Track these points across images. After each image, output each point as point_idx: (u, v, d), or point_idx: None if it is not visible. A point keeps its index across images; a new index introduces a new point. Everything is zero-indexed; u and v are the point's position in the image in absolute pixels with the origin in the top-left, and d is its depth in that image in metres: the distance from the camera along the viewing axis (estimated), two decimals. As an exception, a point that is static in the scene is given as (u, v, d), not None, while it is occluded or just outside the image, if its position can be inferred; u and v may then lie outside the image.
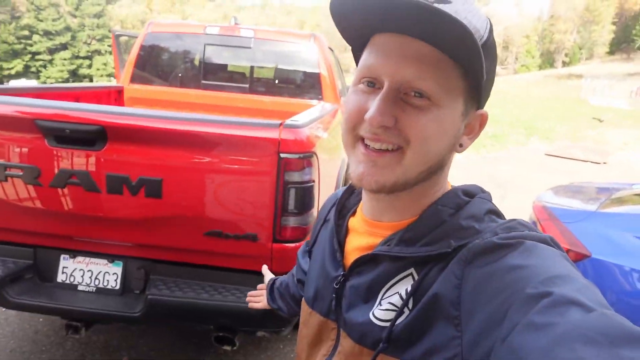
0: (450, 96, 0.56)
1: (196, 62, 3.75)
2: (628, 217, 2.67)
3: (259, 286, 1.25)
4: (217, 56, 3.73)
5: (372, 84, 0.58)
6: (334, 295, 0.70)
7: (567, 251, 2.39)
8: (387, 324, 0.60)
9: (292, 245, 1.88)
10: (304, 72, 3.67)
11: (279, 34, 3.73)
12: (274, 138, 1.75)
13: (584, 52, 54.83)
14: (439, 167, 0.61)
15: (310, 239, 0.90)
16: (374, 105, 0.56)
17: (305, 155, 1.82)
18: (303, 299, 0.81)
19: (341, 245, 0.73)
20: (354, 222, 0.74)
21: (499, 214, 0.63)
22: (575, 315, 0.40)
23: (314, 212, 1.95)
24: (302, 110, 2.56)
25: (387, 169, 0.58)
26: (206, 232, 1.85)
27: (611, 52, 53.47)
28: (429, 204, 0.63)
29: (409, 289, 0.58)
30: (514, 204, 5.91)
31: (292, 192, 1.81)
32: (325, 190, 2.13)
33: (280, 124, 1.79)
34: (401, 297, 0.59)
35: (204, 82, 3.67)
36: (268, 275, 1.24)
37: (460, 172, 7.96)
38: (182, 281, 1.95)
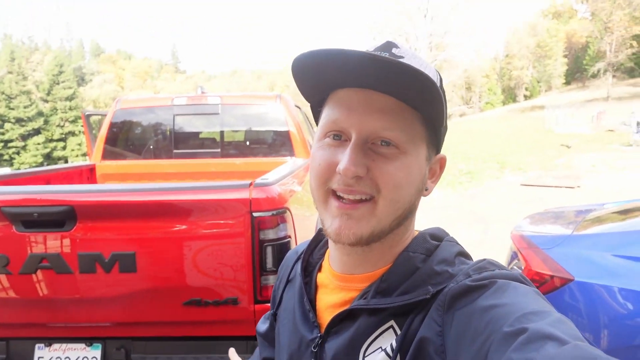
0: (415, 143, 0.60)
1: (167, 133, 3.81)
2: (604, 237, 2.71)
3: None
4: (186, 125, 3.81)
5: (338, 136, 0.61)
6: None
7: (551, 277, 2.40)
8: None
9: (275, 304, 1.85)
10: (274, 132, 3.76)
11: (245, 98, 3.85)
12: (245, 198, 1.77)
13: (542, 85, 57.70)
14: (409, 212, 0.63)
15: (272, 301, 0.86)
16: (345, 156, 0.57)
17: (279, 212, 1.83)
18: None
19: (313, 304, 0.70)
20: (322, 278, 0.72)
21: (467, 256, 0.65)
22: (550, 349, 0.42)
23: (294, 267, 1.93)
24: (272, 168, 2.60)
25: (362, 221, 0.59)
26: (185, 301, 1.80)
27: (567, 83, 56.41)
28: (400, 251, 0.64)
29: (394, 343, 0.57)
30: (496, 236, 5.96)
31: (269, 250, 1.80)
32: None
33: (250, 184, 1.81)
34: (387, 354, 0.58)
35: (175, 151, 3.71)
36: (235, 358, 1.16)
37: (440, 211, 8.04)
38: (165, 357, 1.87)
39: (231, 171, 3.54)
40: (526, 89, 58.63)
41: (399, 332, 0.59)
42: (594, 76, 45.73)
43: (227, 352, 1.89)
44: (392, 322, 0.59)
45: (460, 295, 0.54)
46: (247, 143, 3.83)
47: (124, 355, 1.88)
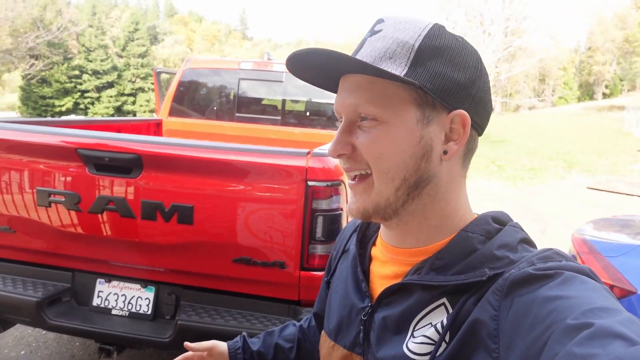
0: (394, 110, 0.59)
1: (231, 96, 3.90)
2: (676, 251, 2.51)
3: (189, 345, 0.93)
4: (250, 90, 3.88)
5: (339, 121, 0.65)
6: (361, 327, 0.67)
7: (612, 287, 2.27)
8: (422, 358, 0.58)
9: (320, 273, 1.88)
10: (333, 104, 3.74)
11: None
12: (302, 166, 1.79)
13: (626, 84, 53.33)
14: (418, 179, 0.60)
15: (327, 269, 0.88)
16: (333, 139, 0.63)
17: (333, 184, 1.84)
18: (323, 331, 0.78)
19: (366, 274, 0.71)
20: (375, 251, 0.73)
21: (532, 244, 0.61)
22: (618, 348, 0.39)
23: (342, 240, 1.95)
24: (330, 141, 2.60)
25: (363, 195, 0.63)
26: (235, 258, 1.87)
27: (654, 83, 51.81)
28: (454, 227, 0.63)
29: (445, 321, 0.57)
30: (554, 238, 5.70)
31: (320, 220, 1.82)
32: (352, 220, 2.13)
33: (308, 153, 1.83)
34: (437, 330, 0.57)
35: (238, 115, 3.80)
36: (213, 344, 0.96)
37: (495, 203, 7.76)
38: (211, 307, 1.96)
39: (289, 140, 3.59)
40: (606, 86, 54.51)
41: (450, 310, 0.58)
42: (687, 79, 41.63)
43: (269, 312, 1.96)
44: (444, 300, 0.59)
45: (522, 282, 0.52)
46: (307, 114, 3.84)
47: (174, 300, 2.00)
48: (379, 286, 0.68)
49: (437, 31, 0.60)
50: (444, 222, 0.63)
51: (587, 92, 56.40)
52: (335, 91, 0.67)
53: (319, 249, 1.86)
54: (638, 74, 49.87)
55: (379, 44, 0.60)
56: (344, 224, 1.94)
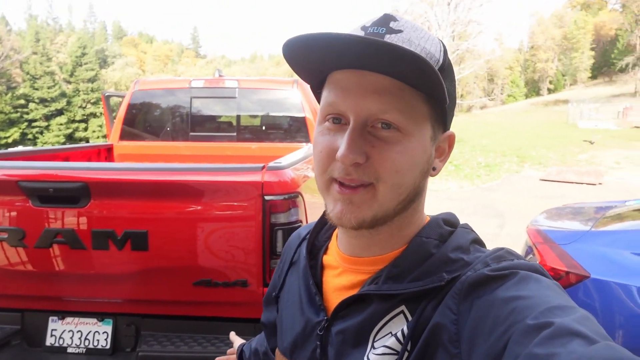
0: (417, 123, 0.56)
1: (184, 115, 3.83)
2: (624, 234, 2.64)
3: (229, 351, 1.16)
4: (203, 108, 3.82)
5: (337, 120, 0.58)
6: (317, 343, 0.65)
7: (566, 273, 2.35)
8: None
9: (284, 288, 1.85)
10: (290, 117, 3.74)
11: (263, 82, 3.83)
12: (257, 181, 1.77)
13: (568, 78, 56.25)
14: (415, 195, 0.60)
15: (273, 283, 0.85)
16: (343, 143, 0.55)
17: (290, 196, 1.82)
18: (277, 350, 0.76)
19: (319, 287, 0.69)
20: (329, 260, 0.70)
21: (482, 244, 0.62)
22: (578, 347, 0.39)
23: (304, 252, 1.93)
24: (287, 153, 2.59)
25: (364, 205, 0.57)
26: (195, 281, 1.82)
27: (593, 77, 54.88)
28: (411, 235, 0.62)
29: (405, 329, 0.56)
30: (512, 232, 5.89)
31: (280, 234, 1.80)
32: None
33: (263, 167, 1.81)
34: (398, 339, 0.56)
35: (192, 134, 3.73)
36: (237, 341, 1.15)
37: (455, 203, 7.96)
38: (174, 335, 1.90)
39: (247, 155, 3.55)
40: (550, 82, 57.31)
41: (409, 317, 0.57)
42: (622, 70, 44.43)
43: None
44: (403, 307, 0.58)
45: (479, 285, 0.52)
46: (264, 128, 3.82)
47: (134, 331, 1.91)
48: (334, 298, 0.66)
49: (445, 47, 0.61)
50: (404, 230, 0.63)
51: (533, 88, 59.10)
52: (316, 84, 0.62)
53: (281, 264, 1.84)
54: (578, 68, 52.82)
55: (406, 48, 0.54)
56: (304, 236, 1.92)
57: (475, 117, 33.38)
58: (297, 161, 2.10)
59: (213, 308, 1.89)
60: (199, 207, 1.79)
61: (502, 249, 0.57)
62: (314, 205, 2.12)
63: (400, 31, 0.56)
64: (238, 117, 3.81)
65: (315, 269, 0.71)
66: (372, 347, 0.58)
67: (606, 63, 52.84)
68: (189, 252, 1.79)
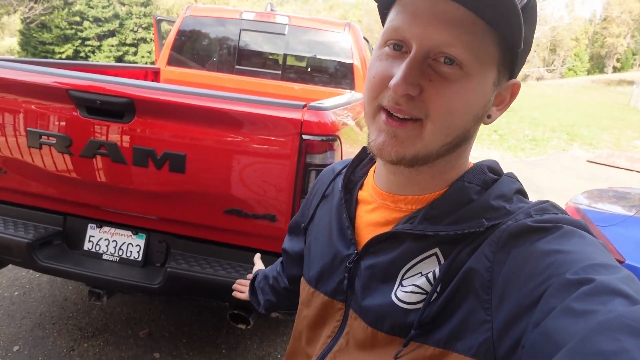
0: (483, 65, 0.52)
1: (231, 47, 3.80)
2: (669, 225, 2.52)
3: (248, 276, 1.21)
4: (252, 42, 3.77)
5: (398, 47, 0.54)
6: (346, 275, 0.66)
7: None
8: (412, 307, 0.57)
9: (311, 228, 1.88)
10: (337, 62, 3.65)
11: (314, 22, 3.72)
12: (297, 119, 1.75)
13: (638, 58, 52.18)
14: (463, 139, 0.57)
15: (301, 214, 0.86)
16: (399, 71, 0.52)
17: (328, 138, 1.80)
18: (303, 278, 0.78)
19: (352, 221, 0.68)
20: (364, 196, 0.70)
21: (526, 195, 0.60)
22: (619, 306, 0.38)
23: (334, 197, 1.94)
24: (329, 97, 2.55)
25: (407, 141, 0.54)
26: (226, 209, 1.87)
27: (667, 59, 50.73)
28: (453, 178, 0.60)
29: (437, 271, 0.55)
30: (549, 209, 5.71)
31: (313, 175, 1.81)
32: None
33: (304, 106, 1.79)
34: (428, 280, 0.56)
35: (237, 67, 3.72)
36: (258, 265, 1.20)
37: (495, 173, 7.74)
38: (201, 257, 1.98)
39: (289, 95, 3.52)
40: (618, 60, 53.31)
41: (442, 260, 0.56)
42: (700, 56, 40.68)
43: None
44: (436, 250, 0.57)
45: (520, 234, 0.50)
46: (309, 70, 3.75)
47: (164, 248, 2.01)
48: (365, 233, 0.66)
49: None
50: (447, 174, 0.60)
51: (597, 64, 55.25)
52: (384, 2, 0.57)
53: (311, 204, 1.85)
54: (651, 48, 48.72)
55: None
56: (337, 180, 1.92)
57: (530, 87, 31.73)
58: (339, 105, 2.07)
59: (241, 237, 1.95)
60: (238, 138, 1.80)
61: (547, 201, 0.55)
62: (349, 153, 2.10)
63: None
64: (285, 55, 3.75)
65: (350, 204, 0.70)
66: (401, 284, 0.59)
67: (684, 45, 48.49)
68: (223, 180, 1.83)
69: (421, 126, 0.54)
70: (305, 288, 0.76)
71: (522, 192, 0.60)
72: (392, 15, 0.55)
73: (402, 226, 0.60)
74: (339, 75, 3.62)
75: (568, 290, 0.41)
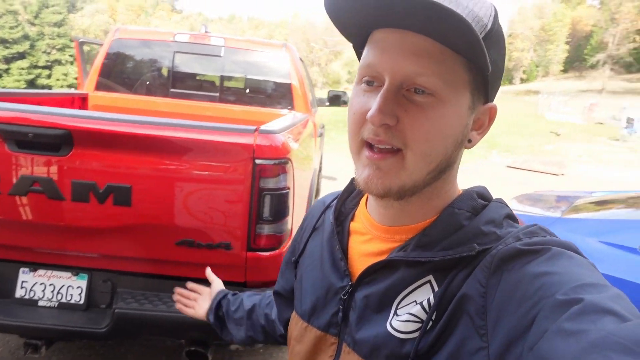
0: (455, 91, 0.54)
1: (165, 70, 3.68)
2: (591, 223, 2.76)
3: (190, 285, 1.14)
4: (186, 64, 3.67)
5: (372, 82, 0.56)
6: (340, 307, 0.65)
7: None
8: (407, 336, 0.56)
9: (267, 254, 1.84)
10: (276, 82, 3.66)
11: (251, 43, 3.71)
12: (249, 144, 1.72)
13: (540, 70, 57.42)
14: (446, 165, 0.59)
15: (291, 249, 0.84)
16: (375, 103, 0.53)
17: (281, 162, 1.79)
18: (295, 313, 0.76)
19: (344, 252, 0.68)
20: (356, 227, 0.70)
21: (515, 219, 0.62)
22: (609, 324, 0.39)
23: (289, 220, 1.92)
24: (272, 119, 2.54)
25: (391, 173, 0.56)
26: (178, 241, 1.78)
27: (565, 70, 56.21)
28: (443, 205, 0.61)
29: (431, 298, 0.56)
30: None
31: (268, 199, 1.78)
32: (298, 200, 2.10)
33: (256, 130, 1.76)
34: (423, 308, 0.56)
35: (172, 90, 3.60)
36: (216, 282, 1.13)
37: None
38: (152, 293, 1.87)
39: (229, 117, 3.46)
40: (524, 71, 58.28)
41: (436, 287, 0.57)
42: (593, 67, 45.62)
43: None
44: (430, 277, 0.57)
45: (510, 258, 0.51)
46: (247, 91, 3.72)
47: (110, 288, 1.87)
48: (359, 264, 0.65)
49: (497, 12, 0.57)
50: (435, 201, 0.62)
51: (507, 76, 60.02)
52: (358, 42, 0.59)
53: (266, 229, 1.82)
54: (551, 61, 53.88)
55: (453, 8, 0.51)
56: (291, 203, 1.91)
57: (449, 99, 33.47)
58: (287, 127, 2.07)
59: (194, 269, 1.86)
60: (187, 166, 1.73)
61: (534, 225, 0.57)
62: (300, 174, 2.10)
63: None
64: (222, 77, 3.69)
65: (342, 235, 0.70)
66: (395, 314, 0.59)
67: (578, 58, 54.15)
68: (174, 211, 1.75)
69: (402, 157, 0.55)
70: (297, 323, 0.74)
71: (511, 217, 0.61)
72: (365, 53, 0.58)
73: (395, 254, 0.60)
74: (277, 95, 3.63)
75: (559, 311, 0.42)
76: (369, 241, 0.67)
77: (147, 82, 3.67)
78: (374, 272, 0.62)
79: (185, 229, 1.77)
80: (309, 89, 3.97)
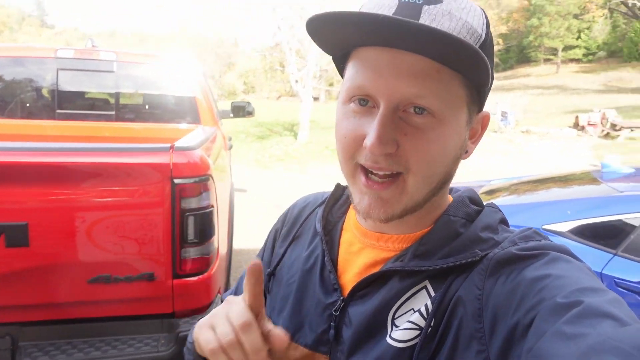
0: (454, 109, 0.53)
1: (48, 90, 3.29)
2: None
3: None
4: (73, 82, 3.32)
5: (364, 101, 0.53)
6: (332, 324, 0.61)
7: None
8: (408, 344, 0.54)
9: (195, 278, 1.72)
10: (178, 96, 3.46)
11: (145, 57, 3.48)
12: (165, 163, 1.59)
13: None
14: (446, 181, 0.58)
15: (268, 258, 0.77)
16: (372, 130, 0.50)
17: (202, 179, 1.68)
18: None
19: (334, 264, 0.64)
20: (346, 237, 0.66)
21: (508, 224, 0.62)
22: (608, 328, 0.39)
23: (215, 240, 1.81)
24: (180, 135, 2.39)
25: (393, 200, 0.54)
26: (90, 279, 1.59)
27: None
28: (438, 214, 0.61)
29: (429, 304, 0.54)
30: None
31: (191, 220, 1.66)
32: (221, 217, 2.00)
33: (171, 147, 1.64)
34: (421, 314, 0.54)
35: (59, 111, 3.23)
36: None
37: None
38: (64, 342, 1.64)
39: (129, 137, 3.19)
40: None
41: (432, 293, 0.55)
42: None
43: (139, 332, 1.74)
44: (426, 283, 0.56)
45: (507, 262, 0.51)
46: (147, 107, 3.48)
47: (9, 344, 1.60)
48: (351, 277, 0.62)
49: (487, 19, 0.55)
50: (434, 211, 0.61)
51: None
52: (338, 57, 0.57)
53: (192, 252, 1.70)
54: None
55: (447, 23, 0.50)
56: (215, 222, 1.80)
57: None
58: (203, 142, 1.95)
59: (112, 307, 1.67)
60: (95, 194, 1.55)
61: (529, 229, 0.58)
62: (220, 190, 2.00)
63: (439, 1, 0.51)
64: (117, 94, 3.41)
65: (331, 245, 0.66)
66: (394, 324, 0.56)
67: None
68: (82, 246, 1.55)
69: (403, 181, 0.54)
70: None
71: (504, 222, 0.62)
72: (352, 71, 0.54)
73: (392, 265, 0.58)
74: (181, 110, 3.43)
75: (558, 313, 0.42)
76: (360, 251, 0.63)
77: (28, 104, 3.26)
78: (367, 285, 0.59)
79: (99, 264, 1.59)
80: (214, 102, 3.83)
